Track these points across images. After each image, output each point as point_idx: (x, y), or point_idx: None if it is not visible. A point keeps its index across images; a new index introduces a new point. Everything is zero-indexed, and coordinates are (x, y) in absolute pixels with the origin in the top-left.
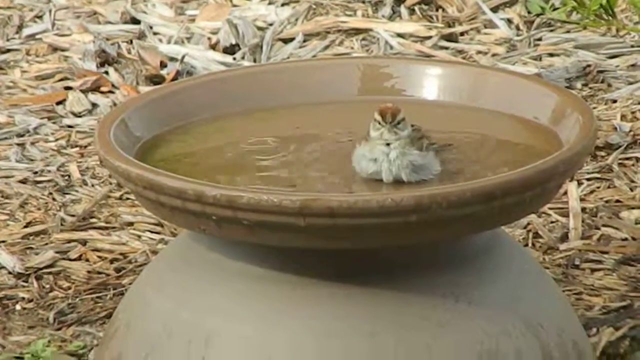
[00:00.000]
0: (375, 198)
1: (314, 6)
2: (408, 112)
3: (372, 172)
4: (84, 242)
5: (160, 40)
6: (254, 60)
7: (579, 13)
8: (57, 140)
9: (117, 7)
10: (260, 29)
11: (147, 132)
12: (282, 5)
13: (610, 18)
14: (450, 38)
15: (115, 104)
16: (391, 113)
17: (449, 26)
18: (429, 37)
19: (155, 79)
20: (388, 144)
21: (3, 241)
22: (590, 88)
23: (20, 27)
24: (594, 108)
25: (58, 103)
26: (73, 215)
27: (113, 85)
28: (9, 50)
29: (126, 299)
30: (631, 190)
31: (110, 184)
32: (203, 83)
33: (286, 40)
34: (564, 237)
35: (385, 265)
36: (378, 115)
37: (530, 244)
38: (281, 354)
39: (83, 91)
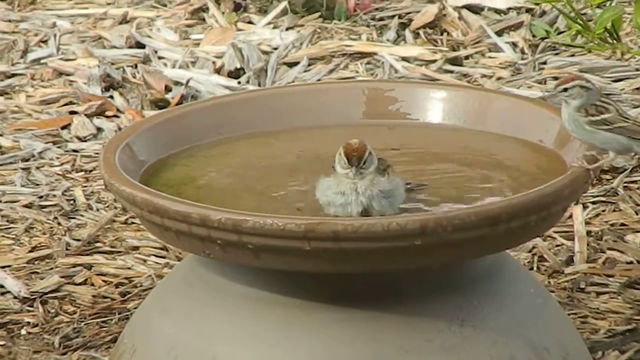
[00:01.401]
0: (380, 222)
1: (318, 30)
2: (412, 135)
3: (339, 204)
4: (89, 267)
5: (165, 65)
6: (259, 84)
7: (583, 37)
8: (62, 164)
9: (122, 32)
10: (264, 52)
11: (152, 156)
12: (287, 29)
13: (615, 42)
14: (455, 62)
15: (120, 128)
16: (357, 157)
17: (454, 50)
18: (434, 61)
19: (160, 103)
20: (354, 182)
21: (8, 266)
22: None
23: (25, 52)
24: None
25: (63, 127)
26: (78, 240)
27: (118, 110)
28: (14, 75)
29: (131, 323)
30: (636, 213)
31: (116, 208)
32: (208, 107)
33: (291, 64)
34: (569, 261)
35: (390, 289)
36: (344, 156)
37: (535, 268)
38: None
39: (88, 115)
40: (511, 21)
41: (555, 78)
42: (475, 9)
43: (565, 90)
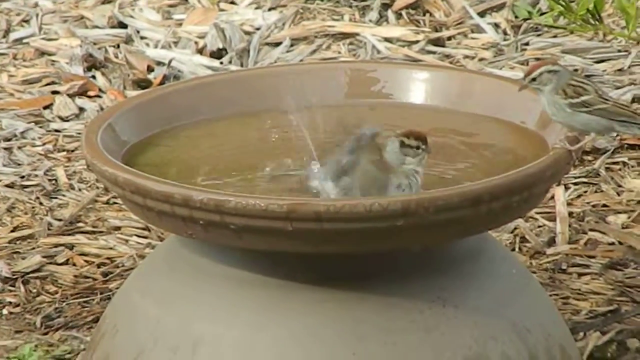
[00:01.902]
0: (362, 202)
1: (301, 10)
2: (394, 116)
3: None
4: (71, 247)
5: (148, 45)
6: (241, 65)
7: (566, 18)
8: (44, 144)
9: (104, 12)
10: (247, 33)
11: (134, 137)
12: (269, 9)
13: (597, 23)
14: (438, 42)
15: (102, 109)
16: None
17: (436, 31)
18: (416, 42)
19: (143, 84)
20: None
21: None
22: None
23: (7, 32)
24: None
25: (45, 107)
26: (60, 220)
27: (100, 90)
28: None
29: (113, 303)
30: (618, 194)
31: (98, 188)
32: (190, 87)
33: (273, 45)
34: (551, 242)
35: (372, 270)
36: (415, 140)
37: (517, 249)
38: (268, 358)
39: (70, 95)
40: (493, 2)
41: (537, 59)
42: None
43: (534, 79)
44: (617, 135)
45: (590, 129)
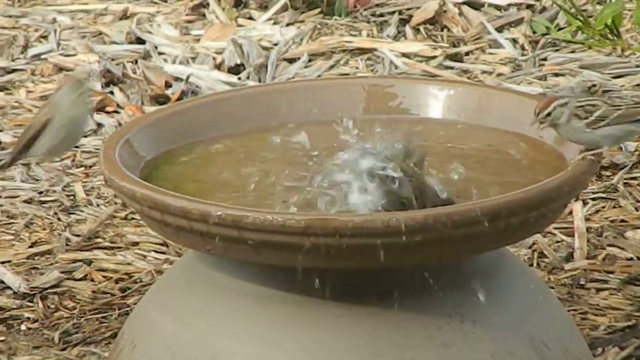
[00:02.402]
0: (380, 218)
1: (319, 26)
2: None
3: None
4: (89, 262)
5: (165, 60)
6: (259, 80)
7: (584, 33)
8: (62, 160)
9: (122, 27)
10: (265, 48)
11: (152, 152)
12: (287, 25)
13: (616, 38)
14: (455, 58)
15: (120, 124)
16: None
17: (454, 46)
18: (434, 57)
19: (160, 99)
20: None
21: (8, 261)
22: None
23: (25, 47)
24: None
25: None
26: (78, 235)
27: (118, 105)
28: (14, 71)
29: (131, 319)
30: (636, 209)
31: (116, 203)
32: (208, 103)
33: (291, 60)
34: (569, 257)
35: (389, 285)
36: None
37: (535, 264)
38: None
39: None
40: (511, 17)
41: (556, 74)
42: (475, 5)
43: (549, 115)
44: (636, 150)
45: (617, 140)
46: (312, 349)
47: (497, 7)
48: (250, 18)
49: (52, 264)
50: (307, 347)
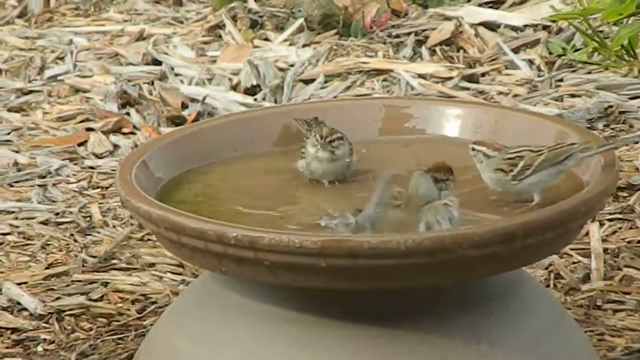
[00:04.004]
0: (396, 239)
1: (335, 47)
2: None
3: None
4: (105, 283)
5: (182, 82)
6: (275, 101)
7: (600, 54)
8: (78, 181)
9: (139, 49)
10: (281, 69)
11: (168, 173)
12: (303, 46)
13: (632, 59)
14: (472, 79)
15: (136, 145)
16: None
17: (470, 67)
18: (450, 78)
19: (177, 120)
20: None
21: (25, 282)
22: (612, 129)
23: (42, 69)
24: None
25: (79, 144)
26: (94, 257)
27: (134, 127)
28: (30, 92)
29: (147, 340)
30: None
31: (132, 225)
32: (224, 124)
33: (307, 81)
34: (586, 278)
35: (406, 306)
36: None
37: (552, 285)
38: None
39: (104, 132)
40: (528, 38)
41: (572, 95)
42: (491, 26)
43: (474, 150)
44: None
45: (546, 185)
46: None
47: (513, 28)
48: (267, 39)
49: (68, 285)
50: None
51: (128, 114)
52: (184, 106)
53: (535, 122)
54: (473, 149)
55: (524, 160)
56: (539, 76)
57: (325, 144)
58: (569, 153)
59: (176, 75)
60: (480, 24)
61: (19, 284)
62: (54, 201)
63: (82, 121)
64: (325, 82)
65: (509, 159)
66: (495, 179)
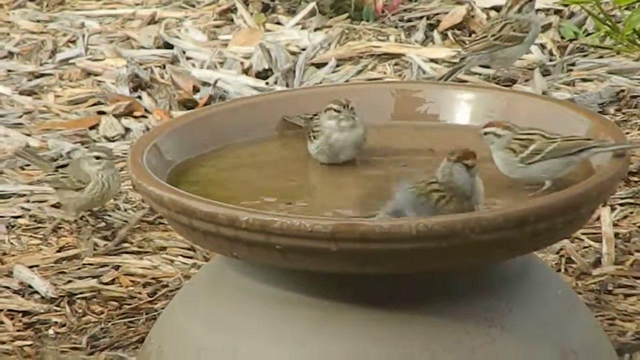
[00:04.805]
0: (407, 223)
1: (346, 31)
2: (439, 136)
3: None
4: (117, 267)
5: (193, 65)
6: (287, 85)
7: (612, 38)
8: None
9: (151, 32)
10: (293, 53)
11: (179, 157)
12: (315, 30)
13: None
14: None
15: (148, 129)
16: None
17: None
18: None
19: (188, 104)
20: None
21: (36, 266)
22: (624, 113)
23: (53, 52)
24: (627, 133)
25: (91, 128)
26: (106, 240)
27: (146, 110)
28: (42, 75)
29: (159, 323)
30: None
31: (143, 208)
32: (236, 108)
33: (319, 65)
34: (597, 263)
35: (417, 290)
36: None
37: (563, 269)
38: None
39: (116, 116)
40: (540, 23)
41: (584, 80)
42: None
43: (486, 134)
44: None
45: (554, 173)
46: (340, 353)
47: None
48: (278, 23)
49: (79, 268)
50: (335, 351)
51: (140, 97)
52: (196, 90)
53: (547, 106)
54: (485, 133)
55: (535, 144)
56: (550, 60)
57: (348, 110)
58: (583, 147)
59: (188, 58)
60: (492, 7)
61: (30, 267)
62: None
63: (94, 104)
64: (337, 66)
65: (520, 139)
66: (504, 159)
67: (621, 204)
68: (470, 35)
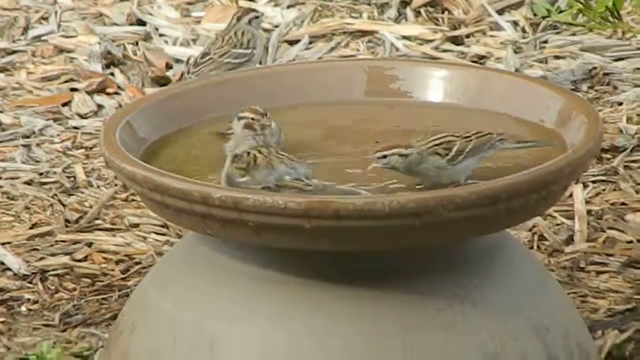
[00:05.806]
0: (380, 200)
1: (319, 8)
2: (413, 114)
3: None
4: (89, 244)
5: (166, 42)
6: (260, 62)
7: (584, 15)
8: (62, 141)
9: (123, 9)
10: (265, 30)
11: (152, 134)
12: (288, 7)
13: (616, 20)
14: (456, 40)
15: (120, 106)
16: None
17: (455, 28)
18: (435, 40)
19: (161, 81)
20: None
21: (8, 242)
22: (596, 91)
23: (26, 29)
24: (600, 111)
25: (64, 104)
26: (79, 217)
27: (119, 87)
28: (14, 52)
29: (131, 300)
30: (636, 192)
31: (116, 185)
32: (209, 85)
33: (292, 42)
34: (569, 240)
35: (390, 268)
36: None
37: (535, 247)
38: (285, 355)
39: (88, 92)
40: (512, 0)
41: (557, 57)
42: None
43: (385, 157)
44: (636, 133)
45: (469, 172)
46: (313, 330)
47: None
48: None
49: (52, 245)
50: (309, 328)
51: (112, 74)
52: (169, 67)
53: (520, 84)
54: (384, 157)
55: (457, 145)
56: (523, 38)
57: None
58: (490, 143)
59: (160, 35)
60: None
61: (2, 243)
62: (37, 161)
63: (66, 81)
64: (310, 43)
65: (439, 143)
66: (434, 163)
67: (593, 182)
68: (443, 13)
